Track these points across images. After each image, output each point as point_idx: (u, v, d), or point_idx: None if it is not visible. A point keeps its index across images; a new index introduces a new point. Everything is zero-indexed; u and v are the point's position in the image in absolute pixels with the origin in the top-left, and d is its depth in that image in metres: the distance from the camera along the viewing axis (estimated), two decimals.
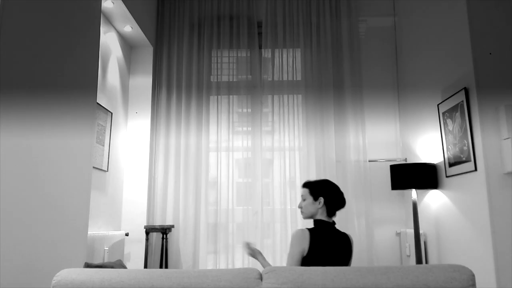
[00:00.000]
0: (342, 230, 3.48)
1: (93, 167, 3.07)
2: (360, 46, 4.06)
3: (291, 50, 4.03)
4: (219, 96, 4.00)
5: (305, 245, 2.07)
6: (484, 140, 2.51)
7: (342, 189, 3.76)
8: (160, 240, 3.75)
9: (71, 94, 2.25)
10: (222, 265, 3.71)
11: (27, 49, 1.85)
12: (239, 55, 4.06)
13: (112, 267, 1.97)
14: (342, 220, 3.69)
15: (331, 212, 2.23)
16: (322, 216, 2.22)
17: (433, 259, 3.22)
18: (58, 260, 2.09)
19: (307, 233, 2.09)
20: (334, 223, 2.22)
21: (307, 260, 2.07)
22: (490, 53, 2.58)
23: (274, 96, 3.96)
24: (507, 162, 2.42)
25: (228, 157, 3.88)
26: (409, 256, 3.53)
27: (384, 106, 3.99)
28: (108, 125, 3.35)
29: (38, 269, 1.92)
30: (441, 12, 3.05)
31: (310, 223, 3.68)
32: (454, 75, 2.86)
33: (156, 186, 3.82)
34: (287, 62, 4.02)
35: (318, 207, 2.22)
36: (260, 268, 3.64)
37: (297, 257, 2.07)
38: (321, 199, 2.22)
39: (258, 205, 3.77)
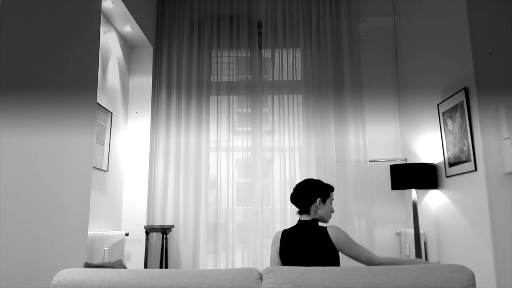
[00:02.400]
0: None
1: (93, 167, 3.07)
2: (360, 46, 4.06)
3: (291, 50, 4.03)
4: (219, 96, 4.00)
5: (277, 244, 2.19)
6: (484, 140, 2.51)
7: (342, 189, 3.77)
8: (160, 240, 3.75)
9: (71, 94, 2.25)
10: (222, 265, 3.71)
11: (27, 49, 1.85)
12: (239, 55, 4.06)
13: (112, 267, 1.97)
14: (342, 220, 3.69)
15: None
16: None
17: (433, 259, 3.22)
18: (58, 260, 2.09)
19: (280, 233, 2.22)
20: (313, 220, 2.19)
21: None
22: (490, 53, 2.58)
23: (274, 96, 3.96)
24: (507, 162, 2.42)
25: (228, 157, 3.88)
26: (409, 256, 3.53)
27: (384, 106, 3.99)
28: (108, 125, 3.35)
29: (38, 269, 1.92)
30: (441, 12, 3.05)
31: None
32: (454, 75, 2.86)
33: (156, 186, 3.82)
34: (287, 62, 4.01)
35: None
36: (260, 268, 3.65)
37: (274, 255, 2.19)
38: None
39: (258, 205, 3.77)
